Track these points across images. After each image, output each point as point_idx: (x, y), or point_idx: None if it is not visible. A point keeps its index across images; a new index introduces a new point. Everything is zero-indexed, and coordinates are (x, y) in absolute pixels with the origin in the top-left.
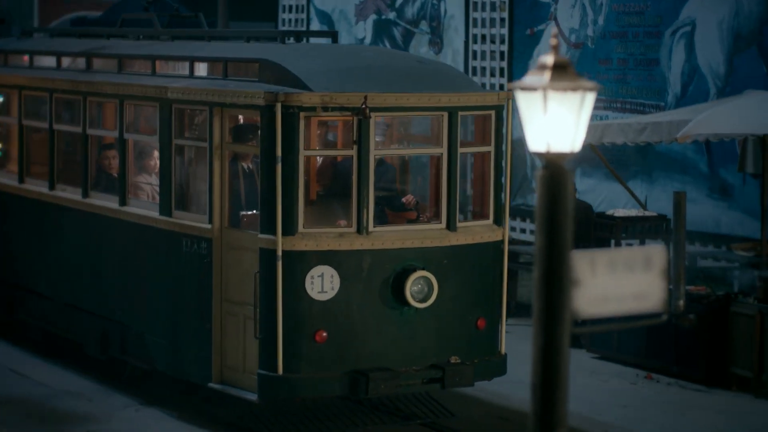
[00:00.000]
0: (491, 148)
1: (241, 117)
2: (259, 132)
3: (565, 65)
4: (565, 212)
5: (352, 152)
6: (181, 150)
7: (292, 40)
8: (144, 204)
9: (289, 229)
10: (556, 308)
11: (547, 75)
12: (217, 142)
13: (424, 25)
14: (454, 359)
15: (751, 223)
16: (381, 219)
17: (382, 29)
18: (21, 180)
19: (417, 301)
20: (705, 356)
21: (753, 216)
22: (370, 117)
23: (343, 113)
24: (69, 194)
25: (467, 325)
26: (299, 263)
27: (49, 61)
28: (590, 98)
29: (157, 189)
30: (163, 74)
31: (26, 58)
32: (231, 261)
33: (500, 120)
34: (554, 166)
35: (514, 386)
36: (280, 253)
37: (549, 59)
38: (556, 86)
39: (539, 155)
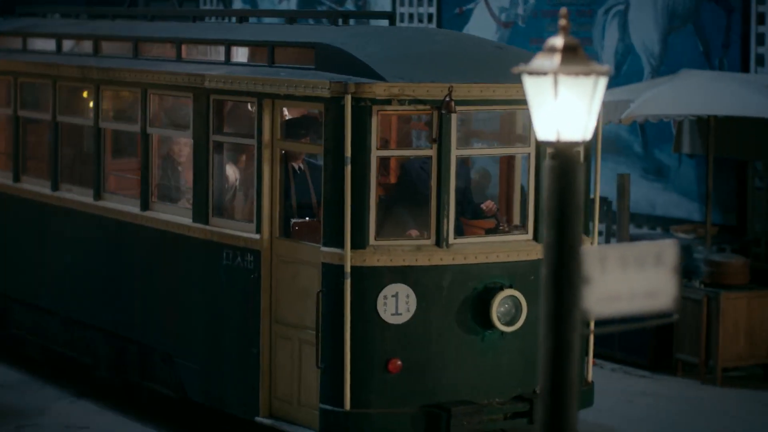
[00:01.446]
0: (580, 148)
1: (286, 110)
2: (323, 128)
3: (576, 47)
4: (576, 206)
5: (431, 152)
6: (219, 147)
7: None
8: (171, 209)
9: (359, 242)
10: (567, 308)
11: (557, 58)
12: (267, 139)
13: (350, 4)
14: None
15: (688, 205)
16: (457, 229)
17: (306, 8)
18: (16, 178)
19: (503, 324)
20: (650, 342)
21: (689, 197)
22: (455, 111)
23: (418, 107)
24: (77, 196)
25: None
26: (370, 281)
27: (48, 44)
28: (603, 83)
29: (183, 190)
30: (192, 60)
31: (20, 40)
32: (283, 277)
33: None
34: (564, 155)
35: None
36: (348, 269)
37: (558, 41)
38: (568, 70)
39: (548, 144)
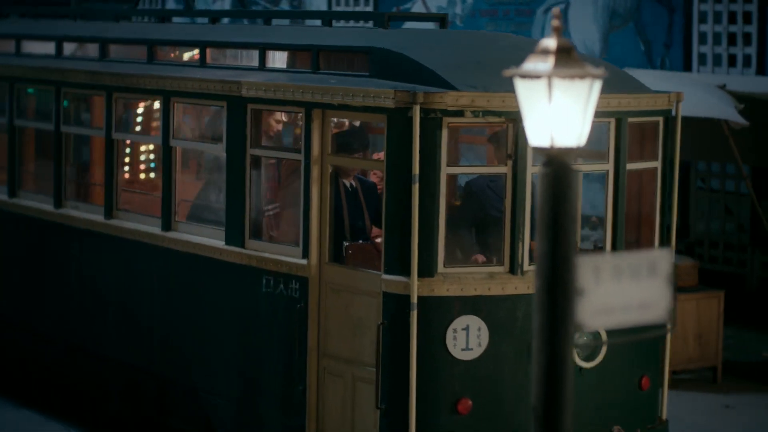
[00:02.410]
0: (658, 164)
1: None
2: (385, 142)
3: (570, 49)
4: (570, 215)
5: (506, 169)
6: (257, 162)
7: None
8: (197, 229)
9: (427, 269)
10: (561, 321)
11: (550, 60)
12: (317, 154)
13: (285, 4)
14: (617, 429)
15: None
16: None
17: (239, 9)
18: (12, 194)
19: (582, 359)
20: None
21: None
22: None
23: (490, 119)
24: (85, 214)
25: (630, 386)
26: (439, 313)
27: (47, 48)
28: (597, 86)
29: (208, 208)
30: (218, 65)
31: (13, 43)
32: (334, 306)
33: (668, 127)
34: (558, 162)
35: None
36: (415, 299)
37: (551, 43)
38: (562, 73)
39: (541, 151)
